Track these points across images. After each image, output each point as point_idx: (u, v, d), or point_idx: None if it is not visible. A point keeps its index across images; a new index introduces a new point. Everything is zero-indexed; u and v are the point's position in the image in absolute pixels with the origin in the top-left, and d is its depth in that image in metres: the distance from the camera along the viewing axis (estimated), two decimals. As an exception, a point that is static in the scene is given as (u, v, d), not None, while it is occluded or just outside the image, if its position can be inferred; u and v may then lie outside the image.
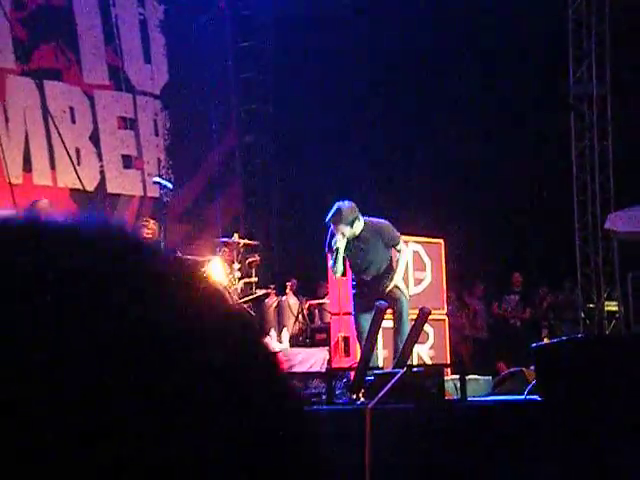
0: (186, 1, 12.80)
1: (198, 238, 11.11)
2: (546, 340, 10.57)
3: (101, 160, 11.90)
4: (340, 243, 7.22)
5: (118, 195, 12.04)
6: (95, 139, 11.95)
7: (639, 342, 6.48)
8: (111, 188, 11.97)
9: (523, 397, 5.79)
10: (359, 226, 7.29)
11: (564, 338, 6.61)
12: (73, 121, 11.66)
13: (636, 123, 13.68)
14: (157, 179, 8.12)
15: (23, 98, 11.14)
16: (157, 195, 12.06)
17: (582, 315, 13.16)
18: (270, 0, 13.46)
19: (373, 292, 7.26)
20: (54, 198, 10.00)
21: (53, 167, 11.34)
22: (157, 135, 12.72)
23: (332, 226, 7.30)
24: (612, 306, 13.46)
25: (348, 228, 7.23)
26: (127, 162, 12.29)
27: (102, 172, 11.89)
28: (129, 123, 12.40)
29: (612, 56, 13.53)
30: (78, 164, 11.09)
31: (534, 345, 5.80)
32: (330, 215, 7.28)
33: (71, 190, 11.19)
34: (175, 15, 12.92)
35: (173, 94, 12.84)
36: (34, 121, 11.25)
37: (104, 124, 12.08)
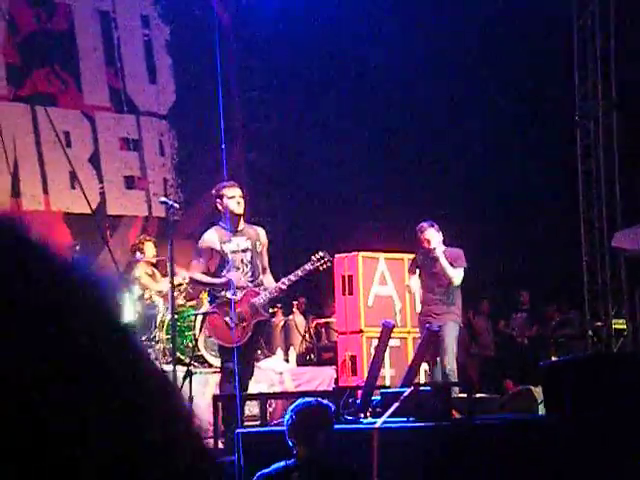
0: (191, 21, 12.85)
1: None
2: (554, 358, 10.53)
3: (101, 182, 11.92)
4: None
5: (121, 216, 12.05)
6: (95, 161, 11.97)
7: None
8: (112, 210, 11.97)
9: (531, 415, 5.77)
10: None
11: (572, 356, 6.60)
12: (69, 144, 11.65)
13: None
14: (163, 199, 8.15)
15: (14, 124, 11.19)
16: (164, 215, 12.10)
17: (590, 333, 13.12)
18: (272, 18, 13.52)
19: None
20: (46, 222, 10.03)
21: (46, 191, 11.37)
22: (163, 155, 12.76)
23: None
24: (620, 324, 13.40)
25: None
26: (130, 183, 12.32)
27: (102, 194, 11.90)
28: (132, 144, 12.44)
29: (617, 73, 13.55)
30: (73, 187, 11.14)
31: (542, 363, 5.79)
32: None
33: (65, 214, 11.23)
34: (181, 35, 12.98)
35: (180, 114, 12.88)
36: (25, 146, 11.28)
37: (105, 146, 12.12)
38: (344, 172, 13.77)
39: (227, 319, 6.96)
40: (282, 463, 4.14)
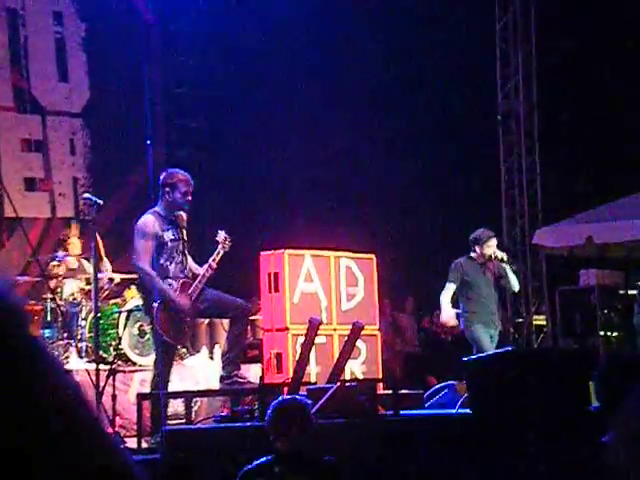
0: (109, 18, 12.63)
1: (119, 257, 10.90)
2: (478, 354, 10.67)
3: (0, 183, 11.67)
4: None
5: (20, 218, 11.78)
6: (-6, 163, 11.73)
7: (565, 355, 6.58)
8: (10, 212, 11.73)
9: (454, 411, 5.84)
10: None
11: (494, 352, 6.68)
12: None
13: (562, 138, 13.96)
14: (87, 195, 7.97)
15: None
16: (69, 215, 11.85)
17: (511, 329, 13.34)
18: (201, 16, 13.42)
19: None
20: None
21: None
22: (74, 154, 12.53)
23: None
24: (540, 320, 13.66)
25: None
26: (31, 185, 12.10)
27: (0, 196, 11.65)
28: (35, 145, 12.22)
29: (538, 72, 13.81)
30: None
31: (465, 359, 5.86)
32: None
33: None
34: (98, 32, 12.74)
35: (95, 112, 12.67)
36: None
37: (5, 146, 11.88)
38: (272, 170, 13.75)
39: (173, 317, 6.84)
40: (263, 459, 4.25)
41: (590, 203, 12.75)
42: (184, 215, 7.10)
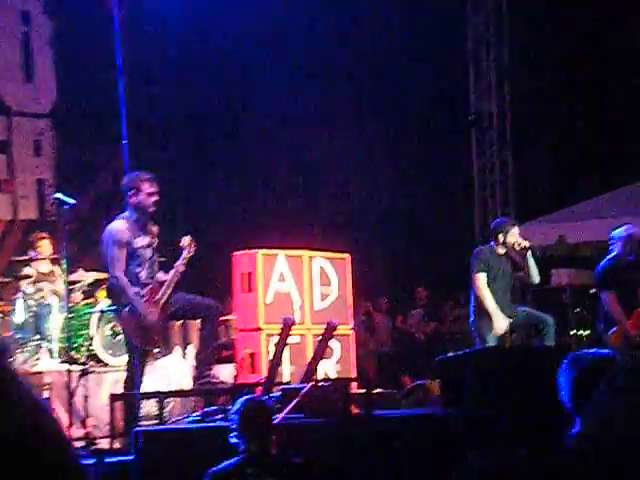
0: (79, 16, 12.49)
1: (80, 261, 10.80)
2: (450, 353, 10.70)
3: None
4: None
5: None
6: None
7: (537, 354, 6.62)
8: None
9: (427, 410, 5.85)
10: None
11: (467, 350, 6.70)
12: None
13: (535, 139, 14.04)
14: (58, 195, 7.88)
15: None
16: (33, 217, 11.73)
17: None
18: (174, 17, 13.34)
19: None
20: None
21: None
22: (39, 155, 12.41)
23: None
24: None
25: None
26: None
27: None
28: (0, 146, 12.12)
29: (511, 73, 13.88)
30: None
31: (438, 358, 5.88)
32: None
33: None
34: (67, 31, 12.61)
35: (64, 112, 12.55)
36: None
37: None
38: (246, 170, 13.73)
39: (143, 319, 6.80)
40: (233, 460, 4.23)
41: (562, 203, 12.83)
42: (155, 229, 7.07)
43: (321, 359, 7.04)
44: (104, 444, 6.41)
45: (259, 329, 7.83)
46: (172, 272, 6.99)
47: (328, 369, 8.22)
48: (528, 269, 8.16)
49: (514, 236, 8.17)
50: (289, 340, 7.09)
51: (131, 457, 5.49)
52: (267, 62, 13.50)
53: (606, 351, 3.23)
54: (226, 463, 4.26)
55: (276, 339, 7.14)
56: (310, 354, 7.32)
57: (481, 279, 8.07)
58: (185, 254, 7.02)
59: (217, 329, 7.72)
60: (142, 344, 6.86)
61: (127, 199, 6.91)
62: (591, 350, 3.13)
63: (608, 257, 7.96)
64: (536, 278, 8.29)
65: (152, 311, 6.85)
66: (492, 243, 8.29)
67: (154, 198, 6.88)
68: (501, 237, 8.16)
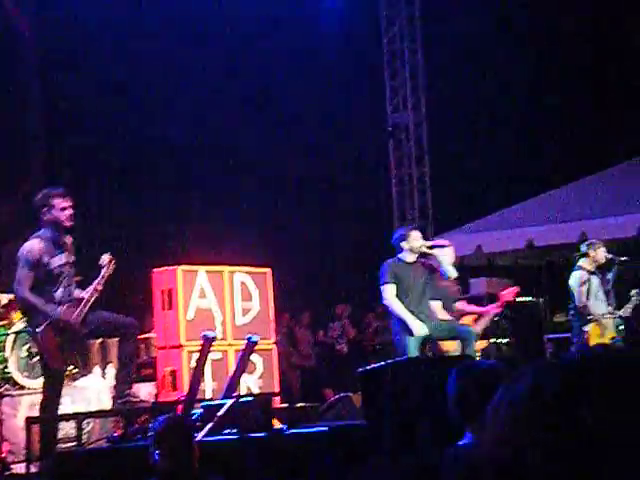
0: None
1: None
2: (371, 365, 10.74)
3: None
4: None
5: None
6: None
7: (454, 363, 6.67)
8: None
9: (350, 422, 5.85)
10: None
11: (387, 361, 6.72)
12: None
13: (451, 150, 14.22)
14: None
15: None
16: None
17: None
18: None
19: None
20: None
21: None
22: None
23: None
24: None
25: None
26: None
27: None
28: None
29: (427, 85, 14.05)
30: None
31: (359, 370, 5.88)
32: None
33: None
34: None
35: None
36: None
37: None
38: (166, 184, 13.61)
39: (59, 340, 6.65)
40: (152, 479, 4.16)
41: (479, 213, 13.02)
42: (69, 241, 6.93)
43: (242, 374, 6.99)
44: (20, 469, 6.25)
45: (180, 346, 7.75)
46: (90, 290, 6.87)
47: (250, 384, 8.18)
48: (442, 266, 8.16)
49: (417, 239, 8.15)
50: (211, 356, 7.03)
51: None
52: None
53: (494, 362, 3.27)
54: None
55: (197, 355, 7.07)
56: (232, 370, 7.26)
57: (388, 290, 8.03)
58: (104, 272, 6.90)
59: (137, 347, 7.60)
60: (58, 365, 6.71)
61: (40, 217, 6.77)
62: (481, 361, 3.18)
63: None
64: (453, 273, 8.29)
65: (67, 311, 6.71)
66: (398, 255, 8.19)
67: (68, 212, 6.75)
68: (405, 245, 8.12)
